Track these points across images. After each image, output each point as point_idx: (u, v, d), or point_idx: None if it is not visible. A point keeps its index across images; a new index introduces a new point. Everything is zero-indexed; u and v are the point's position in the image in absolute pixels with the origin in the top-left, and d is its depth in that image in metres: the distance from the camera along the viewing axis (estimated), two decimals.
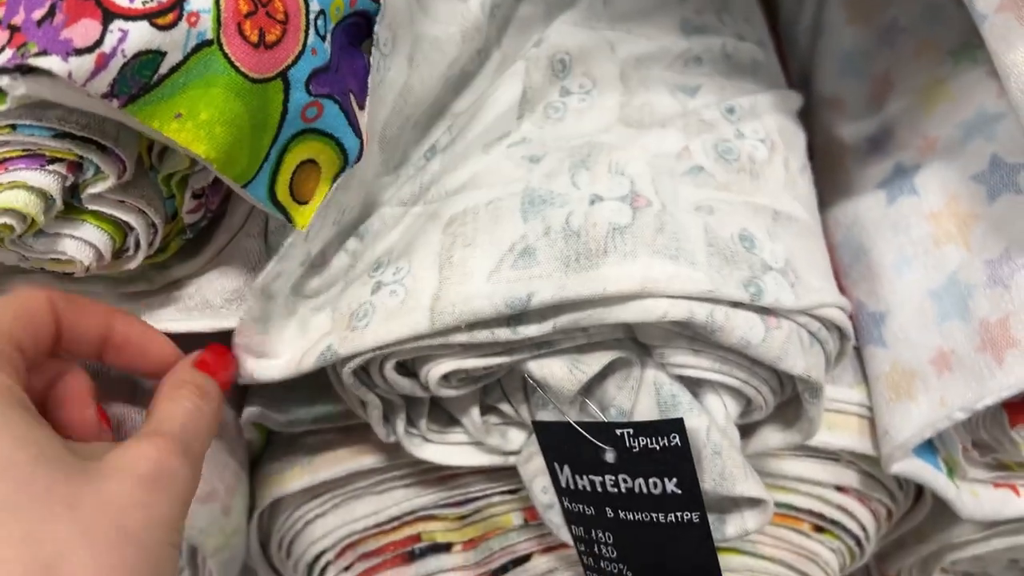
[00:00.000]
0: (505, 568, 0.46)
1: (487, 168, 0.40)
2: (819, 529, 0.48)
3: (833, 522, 0.47)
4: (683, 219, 0.35)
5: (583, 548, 0.40)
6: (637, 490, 0.38)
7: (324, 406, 0.45)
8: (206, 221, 0.37)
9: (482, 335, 0.35)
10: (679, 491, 0.37)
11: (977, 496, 0.47)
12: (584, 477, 0.39)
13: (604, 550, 0.40)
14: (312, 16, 0.32)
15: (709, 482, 0.36)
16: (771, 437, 0.40)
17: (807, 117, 0.50)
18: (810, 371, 0.35)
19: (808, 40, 0.58)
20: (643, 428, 0.37)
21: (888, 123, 0.50)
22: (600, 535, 0.39)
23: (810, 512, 0.47)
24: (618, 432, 0.38)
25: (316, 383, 0.42)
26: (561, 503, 0.40)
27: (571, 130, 0.41)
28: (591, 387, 0.39)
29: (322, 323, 0.38)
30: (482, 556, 0.46)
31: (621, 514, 0.39)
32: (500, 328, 0.35)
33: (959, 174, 0.45)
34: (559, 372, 0.36)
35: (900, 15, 0.53)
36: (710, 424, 0.36)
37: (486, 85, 0.45)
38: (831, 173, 0.52)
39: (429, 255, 0.37)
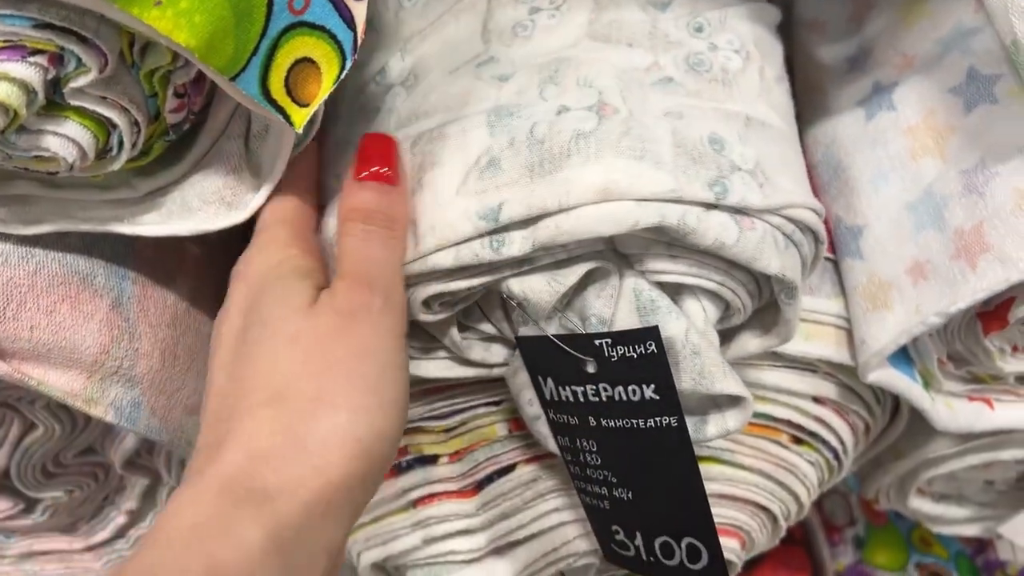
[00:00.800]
0: (490, 478, 0.47)
1: (455, 90, 0.40)
2: (797, 441, 0.49)
3: (811, 434, 0.48)
4: (650, 123, 0.36)
5: (569, 457, 0.41)
6: (617, 398, 0.39)
7: None
8: (188, 124, 0.37)
9: (466, 255, 0.35)
10: (657, 396, 0.38)
11: (952, 408, 0.49)
12: (567, 388, 0.40)
13: (589, 458, 0.41)
14: None
15: (688, 382, 0.36)
16: (749, 343, 0.41)
17: (787, 42, 0.50)
18: (785, 271, 0.36)
19: None
20: (621, 337, 0.38)
21: (867, 43, 0.50)
22: (584, 443, 0.40)
23: (788, 423, 0.48)
24: (597, 343, 0.38)
25: None
26: (547, 414, 0.41)
27: (539, 47, 0.41)
28: (572, 299, 0.39)
29: None
30: (468, 467, 0.47)
31: (603, 422, 0.39)
32: (483, 248, 0.35)
33: (936, 88, 0.46)
34: (537, 286, 0.37)
35: None
36: (688, 327, 0.36)
37: (443, 8, 0.44)
38: (811, 95, 0.52)
39: None
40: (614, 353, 0.38)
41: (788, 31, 0.49)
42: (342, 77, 0.34)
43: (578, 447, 0.41)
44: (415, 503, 0.48)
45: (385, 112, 0.41)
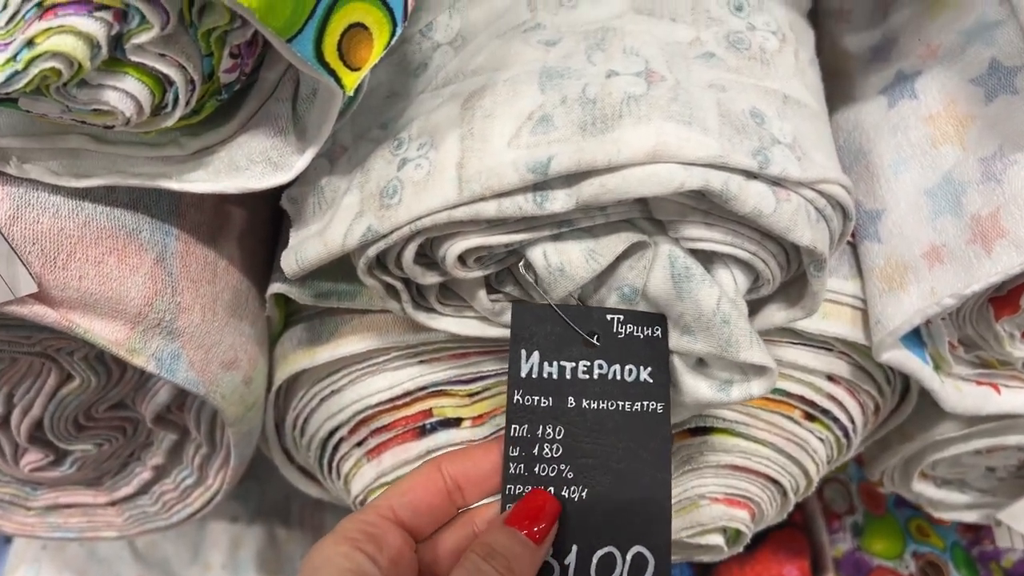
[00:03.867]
0: None
1: (504, 52, 0.41)
2: (810, 417, 0.50)
3: (823, 411, 0.50)
4: (696, 92, 0.37)
5: (516, 452, 0.40)
6: (611, 376, 0.40)
7: (347, 282, 0.46)
8: (240, 84, 0.38)
9: (509, 208, 0.36)
10: (651, 380, 0.40)
11: (960, 391, 0.50)
12: (554, 363, 0.41)
13: (546, 449, 0.40)
14: None
15: (716, 348, 0.38)
16: (775, 314, 0.42)
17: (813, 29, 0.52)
18: (816, 243, 0.37)
19: None
20: (632, 316, 0.39)
21: (892, 32, 0.52)
22: (548, 431, 0.40)
23: (802, 399, 0.49)
24: (608, 317, 0.40)
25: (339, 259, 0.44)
26: (511, 397, 0.40)
27: (585, 16, 0.42)
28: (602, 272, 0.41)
29: (351, 203, 0.40)
30: (490, 431, 0.48)
31: (584, 402, 0.40)
32: (526, 202, 0.36)
33: (958, 78, 0.47)
34: (576, 259, 0.38)
35: None
36: (720, 295, 0.38)
37: None
38: (835, 82, 0.53)
39: (450, 128, 0.39)
40: (622, 331, 0.40)
41: (814, 19, 0.50)
42: (392, 43, 0.36)
43: (537, 437, 0.40)
44: None
45: (434, 68, 0.43)
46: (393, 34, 0.36)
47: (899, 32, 0.51)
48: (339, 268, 0.45)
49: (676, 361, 0.40)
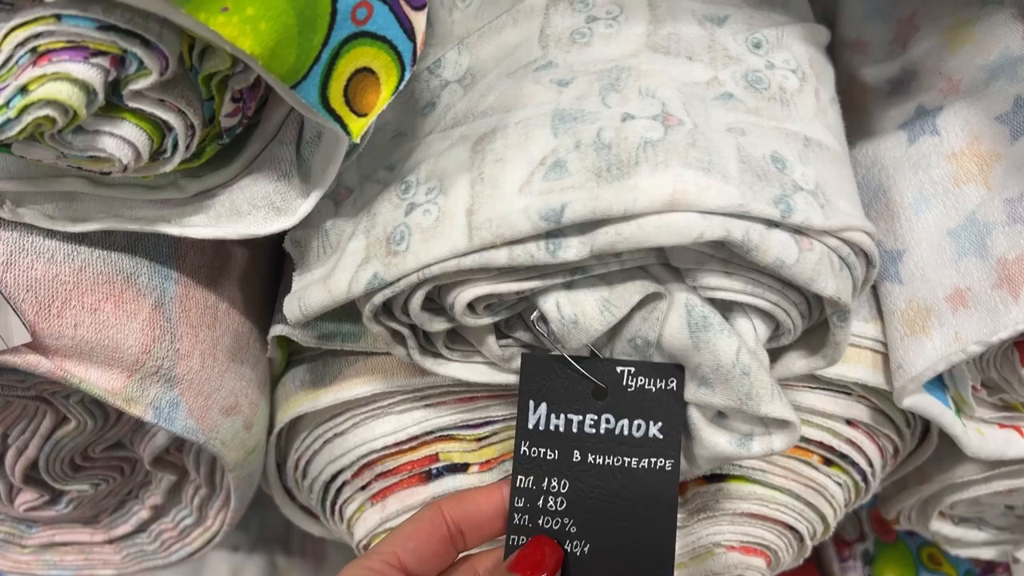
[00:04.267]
0: None
1: (514, 92, 0.40)
2: (828, 462, 0.49)
3: (842, 456, 0.48)
4: (715, 137, 0.36)
5: (521, 503, 0.40)
6: (618, 431, 0.39)
7: (352, 324, 0.45)
8: (241, 128, 0.37)
9: (521, 256, 0.35)
10: (660, 436, 0.39)
11: (983, 435, 0.48)
12: (561, 416, 0.40)
13: (551, 502, 0.40)
14: None
15: (735, 402, 0.36)
16: (796, 363, 0.41)
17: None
18: (840, 293, 0.36)
19: None
20: (644, 368, 0.38)
21: (911, 65, 0.50)
22: (553, 484, 0.40)
23: (820, 444, 0.48)
24: (619, 369, 0.38)
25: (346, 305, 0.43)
26: (517, 448, 0.40)
27: (598, 54, 0.41)
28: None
29: (357, 248, 0.39)
30: (498, 477, 0.47)
31: (590, 457, 0.40)
32: (538, 250, 0.35)
33: (982, 115, 0.45)
34: (591, 311, 0.37)
35: None
36: (740, 346, 0.36)
37: (499, 11, 0.44)
38: (852, 115, 0.52)
39: (460, 173, 0.37)
40: (632, 383, 0.38)
41: (830, 50, 0.49)
42: (400, 88, 0.34)
43: (542, 488, 0.40)
44: None
45: (442, 108, 0.41)
46: (401, 79, 0.34)
47: (918, 65, 0.50)
48: (343, 309, 0.44)
49: (694, 413, 0.39)
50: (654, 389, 0.39)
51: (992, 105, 0.45)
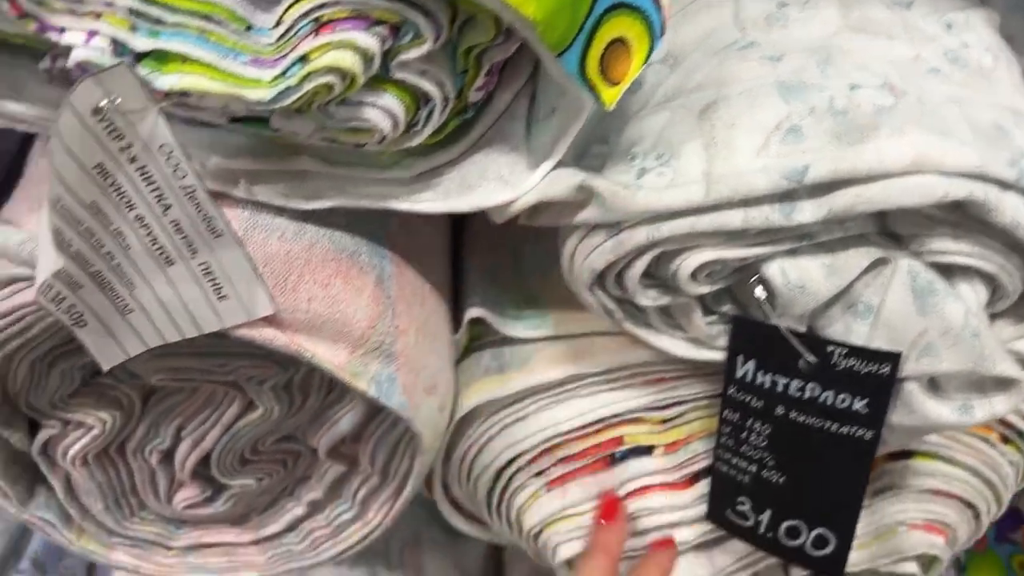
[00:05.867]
0: (708, 470, 0.47)
1: (725, 68, 0.41)
2: (1005, 440, 0.49)
3: (1019, 433, 0.49)
4: (940, 105, 0.37)
5: (727, 430, 0.44)
6: (822, 400, 0.40)
7: (534, 309, 0.46)
8: (482, 102, 0.38)
9: (756, 219, 0.36)
10: (866, 410, 0.39)
11: None
12: (767, 375, 0.41)
13: (754, 438, 0.43)
14: None
15: (968, 364, 0.37)
16: (1005, 330, 0.41)
17: None
18: None
19: None
20: (858, 350, 0.38)
21: None
22: (757, 425, 0.43)
23: (1002, 421, 0.48)
24: (829, 348, 0.39)
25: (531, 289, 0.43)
26: (725, 390, 0.43)
27: (799, 34, 0.42)
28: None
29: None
30: (684, 458, 0.47)
31: (792, 414, 0.41)
32: (773, 212, 0.36)
33: None
34: (816, 275, 0.38)
35: None
36: (967, 309, 0.37)
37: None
38: None
39: (689, 139, 0.38)
40: (842, 363, 0.39)
41: None
42: (650, 57, 0.35)
43: (747, 425, 0.43)
44: (626, 496, 0.48)
45: (649, 86, 0.42)
46: (652, 48, 0.35)
47: None
48: (525, 297, 0.45)
49: (913, 388, 0.39)
50: (863, 372, 0.39)
51: None
